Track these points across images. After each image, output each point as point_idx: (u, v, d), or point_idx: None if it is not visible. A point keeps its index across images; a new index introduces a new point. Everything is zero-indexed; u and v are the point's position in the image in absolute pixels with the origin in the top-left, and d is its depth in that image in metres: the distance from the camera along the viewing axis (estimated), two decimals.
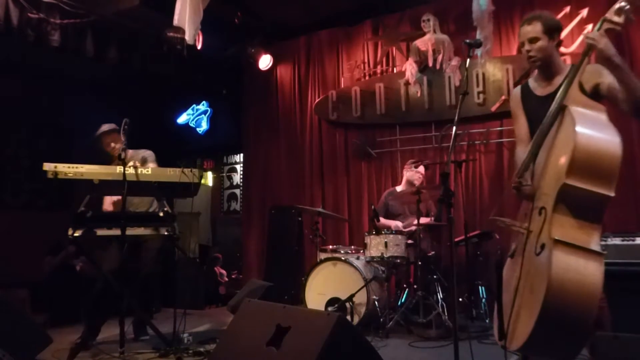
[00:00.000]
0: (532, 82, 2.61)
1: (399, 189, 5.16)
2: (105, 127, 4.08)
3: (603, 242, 3.26)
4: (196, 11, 4.76)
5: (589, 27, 4.70)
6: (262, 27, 6.39)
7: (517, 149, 2.61)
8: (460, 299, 4.61)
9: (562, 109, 2.25)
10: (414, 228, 4.54)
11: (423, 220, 4.57)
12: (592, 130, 2.14)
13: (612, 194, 2.14)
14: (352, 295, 4.16)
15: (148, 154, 4.21)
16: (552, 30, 2.44)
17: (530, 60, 2.45)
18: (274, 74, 6.76)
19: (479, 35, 4.89)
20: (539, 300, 1.99)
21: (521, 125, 2.58)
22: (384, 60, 5.96)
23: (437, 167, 5.44)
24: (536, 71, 2.59)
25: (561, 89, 2.27)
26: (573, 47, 4.74)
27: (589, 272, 2.04)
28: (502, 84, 5.11)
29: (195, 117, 7.62)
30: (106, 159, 4.06)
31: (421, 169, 5.06)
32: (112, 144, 4.01)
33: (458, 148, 5.21)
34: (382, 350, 3.59)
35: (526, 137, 2.54)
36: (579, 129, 2.11)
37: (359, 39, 6.13)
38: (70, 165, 3.42)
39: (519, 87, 2.61)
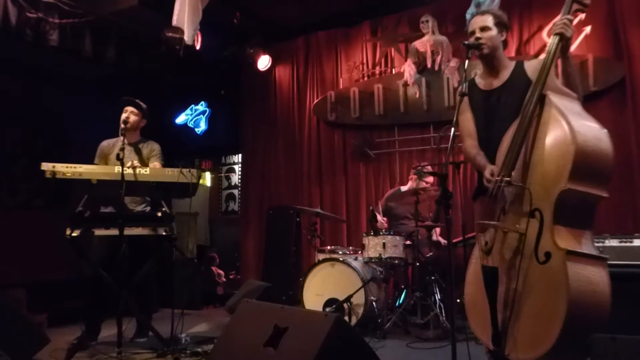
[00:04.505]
0: (477, 78, 2.68)
1: (403, 188, 5.13)
2: (137, 100, 4.10)
3: (601, 244, 3.27)
4: (195, 11, 4.76)
5: (588, 29, 4.72)
6: (261, 27, 6.38)
7: (465, 144, 2.65)
8: (458, 300, 4.61)
9: (541, 97, 2.25)
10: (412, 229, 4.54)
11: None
12: (586, 129, 2.13)
13: (607, 194, 2.15)
14: (350, 296, 4.16)
15: (158, 148, 4.23)
16: (502, 25, 2.54)
17: (480, 47, 2.49)
18: (273, 74, 6.76)
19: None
20: (555, 314, 2.00)
21: (468, 120, 2.62)
22: (383, 61, 5.96)
23: (435, 168, 5.44)
24: (482, 67, 2.65)
25: (540, 79, 2.26)
26: (572, 48, 4.75)
27: (599, 279, 2.07)
28: None
29: (193, 117, 7.62)
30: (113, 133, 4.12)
31: (429, 179, 4.97)
32: (129, 114, 4.00)
33: (456, 149, 5.21)
34: (380, 351, 3.58)
35: (474, 132, 2.60)
36: (577, 129, 2.10)
37: (357, 40, 6.13)
38: (68, 165, 3.41)
39: (466, 83, 2.64)
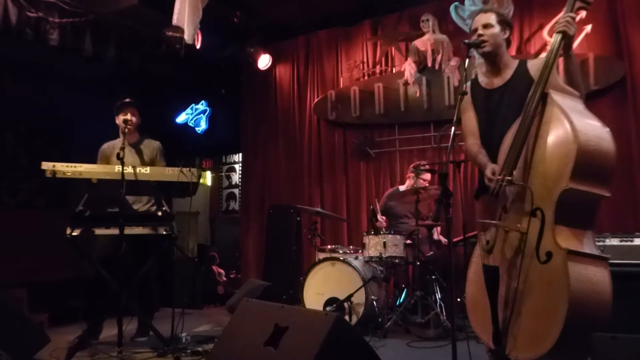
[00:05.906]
0: (480, 77, 2.67)
1: (402, 188, 5.14)
2: (127, 99, 4.11)
3: (601, 243, 3.26)
4: (195, 10, 4.76)
5: (588, 27, 4.71)
6: (261, 26, 6.38)
7: (467, 142, 2.65)
8: (459, 299, 4.61)
9: (543, 96, 2.24)
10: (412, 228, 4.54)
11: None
12: (588, 128, 2.12)
13: (609, 194, 2.14)
14: (351, 295, 4.15)
15: (159, 146, 4.23)
16: (504, 23, 2.54)
17: (482, 44, 2.49)
18: (273, 73, 6.75)
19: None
20: (556, 313, 2.00)
21: (470, 118, 2.62)
22: (383, 60, 5.96)
23: (435, 167, 5.43)
24: (484, 66, 2.65)
25: (542, 77, 2.25)
26: (573, 46, 4.74)
27: (600, 279, 2.06)
28: None
29: (194, 116, 7.61)
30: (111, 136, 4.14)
31: (426, 175, 5.00)
32: (130, 116, 4.01)
33: (457, 148, 5.20)
34: (380, 350, 3.58)
35: (476, 130, 2.60)
36: (579, 128, 2.09)
37: (358, 39, 6.13)
38: (69, 164, 3.41)
39: (469, 82, 2.63)
